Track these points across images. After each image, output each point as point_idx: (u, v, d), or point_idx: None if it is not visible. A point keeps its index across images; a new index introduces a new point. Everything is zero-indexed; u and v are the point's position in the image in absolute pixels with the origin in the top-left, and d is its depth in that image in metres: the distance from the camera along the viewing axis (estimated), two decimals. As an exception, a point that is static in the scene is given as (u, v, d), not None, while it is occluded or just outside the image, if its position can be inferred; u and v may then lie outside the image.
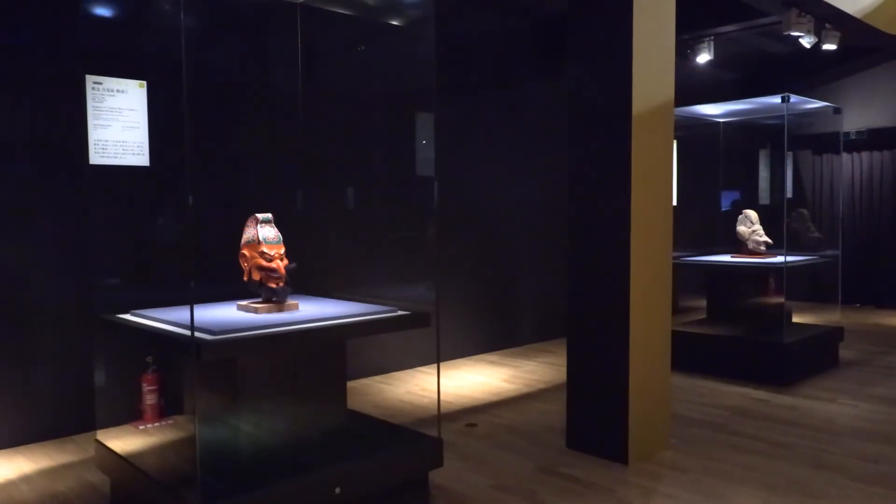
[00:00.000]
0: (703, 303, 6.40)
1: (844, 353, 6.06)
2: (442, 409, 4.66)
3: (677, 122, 6.45)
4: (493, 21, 6.46)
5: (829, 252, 6.21)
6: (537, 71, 6.78)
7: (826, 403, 4.81)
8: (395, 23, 4.41)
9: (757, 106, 6.08)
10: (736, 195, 8.50)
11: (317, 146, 4.31)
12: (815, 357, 5.65)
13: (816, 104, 6.05)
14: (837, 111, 6.28)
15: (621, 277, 3.65)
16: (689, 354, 5.57)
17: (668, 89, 3.84)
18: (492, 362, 6.08)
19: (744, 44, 7.67)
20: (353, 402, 4.72)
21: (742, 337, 5.53)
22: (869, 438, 4.10)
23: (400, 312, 3.06)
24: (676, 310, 7.71)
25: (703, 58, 6.96)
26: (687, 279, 7.27)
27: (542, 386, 5.27)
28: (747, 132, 7.60)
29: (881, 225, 9.07)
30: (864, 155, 9.23)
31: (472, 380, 5.50)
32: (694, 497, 3.30)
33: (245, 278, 3.06)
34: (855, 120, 9.13)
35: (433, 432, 3.15)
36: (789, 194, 9.37)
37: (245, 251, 3.07)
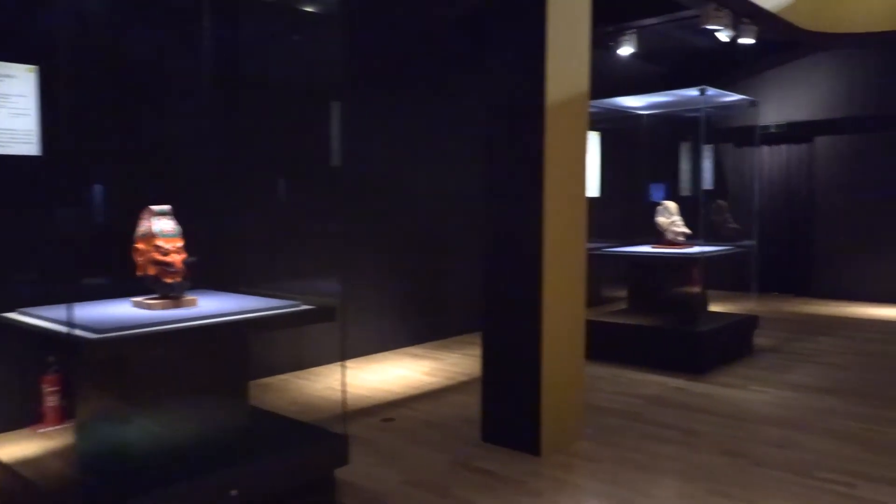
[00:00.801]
0: (626, 293, 6.49)
1: (759, 340, 6.23)
2: (360, 403, 4.59)
3: (602, 114, 6.55)
4: (419, 9, 6.37)
5: (746, 242, 6.36)
6: (464, 60, 6.72)
7: (738, 390, 4.93)
8: (311, 10, 4.29)
9: (677, 98, 6.18)
10: (661, 186, 8.67)
11: (225, 136, 4.16)
12: (730, 345, 5.79)
13: (733, 97, 6.18)
14: (754, 104, 6.42)
15: (534, 268, 3.63)
16: (609, 344, 5.64)
17: (582, 82, 3.83)
18: (415, 355, 6.03)
19: (669, 37, 7.79)
20: (269, 400, 4.60)
21: (660, 326, 5.62)
22: (777, 424, 4.21)
23: (304, 307, 2.97)
24: (600, 300, 7.83)
25: (626, 50, 7.03)
26: (611, 269, 7.37)
27: (463, 378, 5.25)
28: (670, 124, 7.73)
29: (798, 216, 9.38)
30: (783, 148, 9.52)
31: (393, 373, 5.43)
32: (604, 487, 3.32)
33: (139, 273, 2.92)
34: (775, 113, 9.40)
35: (348, 428, 3.08)
36: (708, 186, 9.60)
37: (139, 245, 2.93)
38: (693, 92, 5.58)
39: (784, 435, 4.02)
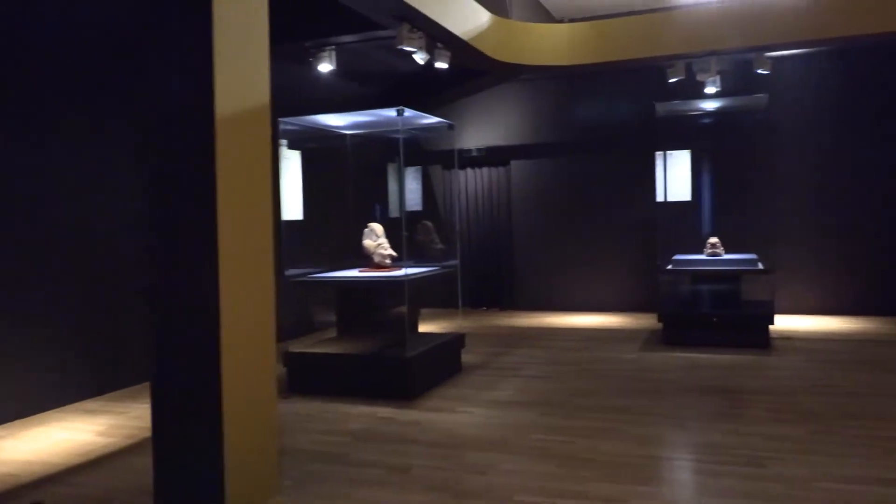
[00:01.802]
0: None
1: (467, 357, 6.31)
2: (2, 485, 3.64)
3: (303, 132, 6.19)
4: None
5: (451, 262, 6.42)
6: (126, 59, 5.93)
7: (447, 414, 4.84)
8: None
9: (378, 119, 6.05)
10: (379, 208, 8.60)
11: None
12: (439, 366, 5.75)
13: (431, 119, 6.22)
14: (451, 127, 6.54)
15: (210, 302, 3.11)
16: (316, 377, 5.29)
17: (261, 91, 3.40)
18: (90, 411, 5.07)
19: (374, 58, 7.71)
20: None
21: (367, 353, 5.38)
22: (481, 447, 4.15)
23: None
24: (311, 328, 7.46)
25: (326, 67, 6.78)
26: (322, 296, 7.04)
27: (147, 434, 4.47)
28: (377, 145, 7.65)
29: (499, 234, 9.95)
30: (485, 171, 10.05)
31: (54, 438, 4.47)
32: (296, 552, 2.90)
33: None
34: (477, 137, 9.91)
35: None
36: (416, 207, 9.80)
37: None
38: (391, 112, 5.46)
39: (487, 459, 3.95)
